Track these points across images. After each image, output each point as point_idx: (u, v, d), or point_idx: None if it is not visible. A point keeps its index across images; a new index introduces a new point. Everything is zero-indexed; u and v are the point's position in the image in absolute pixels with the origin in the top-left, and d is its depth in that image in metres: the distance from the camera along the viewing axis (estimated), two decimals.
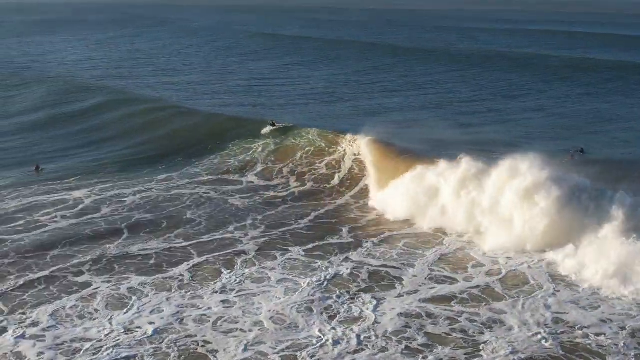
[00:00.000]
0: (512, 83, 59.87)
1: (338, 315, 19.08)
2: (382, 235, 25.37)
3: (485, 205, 25.07)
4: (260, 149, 35.44)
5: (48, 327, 17.98)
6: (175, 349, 17.15)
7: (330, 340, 17.68)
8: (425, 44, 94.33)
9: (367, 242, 24.70)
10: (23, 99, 53.45)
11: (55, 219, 26.17)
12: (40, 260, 22.41)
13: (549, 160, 25.73)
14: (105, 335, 17.62)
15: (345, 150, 33.69)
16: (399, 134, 36.56)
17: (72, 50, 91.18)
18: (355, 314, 19.24)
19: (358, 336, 17.91)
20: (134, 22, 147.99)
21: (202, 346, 17.40)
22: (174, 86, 57.51)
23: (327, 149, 34.32)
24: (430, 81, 61.83)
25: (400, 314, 19.28)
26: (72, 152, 38.28)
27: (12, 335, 17.48)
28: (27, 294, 20.05)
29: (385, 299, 20.17)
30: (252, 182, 31.74)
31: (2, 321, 18.28)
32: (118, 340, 17.44)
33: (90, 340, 17.38)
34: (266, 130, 36.75)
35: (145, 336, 17.72)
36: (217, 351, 17.12)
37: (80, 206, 27.67)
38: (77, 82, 58.26)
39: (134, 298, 19.90)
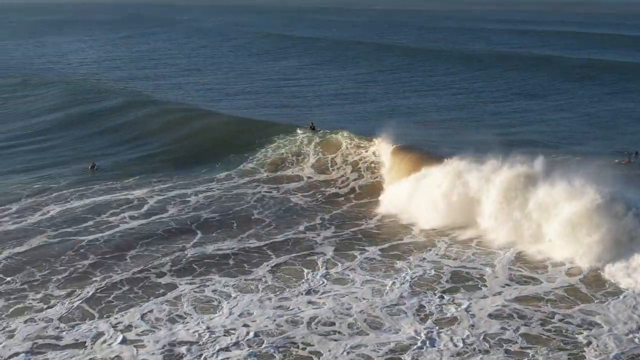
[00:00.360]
0: (536, 83, 58.77)
1: (431, 317, 18.62)
2: (453, 235, 24.84)
3: (549, 216, 23.61)
4: (305, 140, 34.91)
5: (144, 332, 17.53)
6: (277, 351, 16.72)
7: (429, 342, 17.24)
8: (440, 44, 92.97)
9: (439, 241, 24.20)
10: (51, 98, 52.35)
11: (125, 220, 25.73)
12: (119, 261, 22.00)
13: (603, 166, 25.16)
14: (205, 339, 17.18)
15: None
16: (440, 135, 36.53)
17: (89, 51, 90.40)
18: (447, 314, 18.78)
19: (456, 338, 17.45)
20: (142, 22, 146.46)
21: (303, 348, 16.97)
22: (203, 86, 57.19)
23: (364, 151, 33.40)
24: (453, 81, 61.03)
25: (490, 315, 18.81)
26: (115, 150, 37.69)
27: (111, 341, 17.04)
28: (112, 296, 19.63)
29: (472, 299, 19.69)
30: (311, 178, 31.21)
31: (95, 325, 17.86)
32: (218, 343, 17.01)
33: (191, 344, 16.95)
34: (305, 132, 35.80)
35: (243, 339, 17.28)
36: (320, 353, 16.69)
37: (146, 206, 27.22)
38: (104, 83, 57.88)
39: (221, 300, 19.47)
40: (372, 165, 31.81)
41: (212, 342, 17.05)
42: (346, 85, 58.46)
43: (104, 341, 16.96)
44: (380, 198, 28.53)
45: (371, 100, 51.15)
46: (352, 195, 29.42)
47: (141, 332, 17.51)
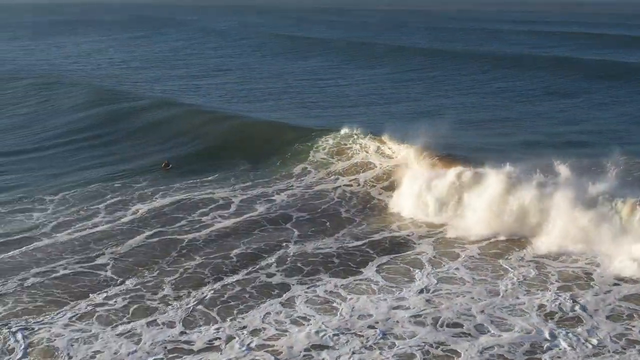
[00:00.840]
0: (565, 83, 57.38)
1: (554, 316, 18.05)
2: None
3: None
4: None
5: (273, 335, 16.97)
6: (416, 351, 16.21)
7: (561, 342, 16.69)
8: (457, 45, 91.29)
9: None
10: (86, 97, 50.42)
11: (217, 219, 25.24)
12: (225, 260, 21.52)
13: None
14: (335, 342, 16.66)
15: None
16: (497, 135, 35.96)
17: (112, 50, 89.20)
18: (568, 313, 18.21)
19: (585, 337, 16.88)
20: (152, 23, 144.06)
21: (436, 347, 16.47)
22: (233, 87, 56.51)
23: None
24: (480, 81, 59.66)
25: (610, 314, 18.26)
26: (171, 148, 36.80)
27: (244, 345, 16.51)
28: (227, 297, 19.14)
29: (583, 297, 19.12)
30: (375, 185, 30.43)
31: (221, 328, 17.35)
32: (350, 345, 16.50)
33: (322, 347, 16.41)
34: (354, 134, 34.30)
35: (374, 341, 16.74)
36: (457, 352, 16.18)
37: (233, 206, 26.71)
38: (136, 83, 57.20)
39: (337, 301, 18.95)
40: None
41: (344, 344, 16.53)
42: (377, 85, 57.49)
43: (237, 345, 16.45)
44: None
45: (406, 100, 50.21)
46: None
47: (271, 335, 16.95)
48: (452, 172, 26.12)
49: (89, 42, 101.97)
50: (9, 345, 16.44)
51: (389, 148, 31.74)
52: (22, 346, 16.36)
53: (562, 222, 22.77)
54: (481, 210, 24.04)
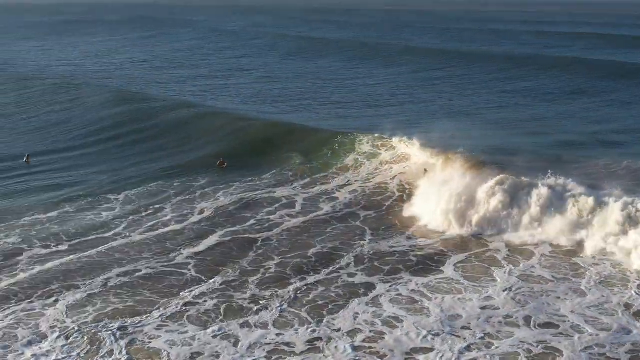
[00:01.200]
0: (582, 83, 56.36)
1: None
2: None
3: None
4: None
5: (370, 337, 16.62)
6: (517, 349, 15.90)
7: None
8: (466, 45, 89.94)
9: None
10: (113, 97, 49.62)
11: (285, 218, 24.96)
12: (304, 259, 21.22)
13: None
14: (435, 344, 16.35)
15: None
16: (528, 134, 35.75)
17: (129, 51, 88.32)
18: None
19: None
20: (160, 23, 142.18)
21: (537, 346, 16.16)
22: (261, 87, 55.98)
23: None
24: (497, 80, 59.22)
25: None
26: (215, 145, 36.46)
27: (344, 348, 16.16)
28: (314, 297, 18.85)
29: None
30: None
31: (315, 329, 17.05)
32: (451, 347, 16.20)
33: (431, 350, 16.04)
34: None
35: (473, 341, 16.45)
36: (559, 350, 15.88)
37: (297, 205, 26.43)
38: (159, 84, 56.83)
39: (424, 301, 18.65)
40: None
41: (448, 346, 16.20)
42: (402, 85, 56.98)
43: (338, 347, 16.16)
44: None
45: (436, 100, 49.70)
46: None
47: (367, 337, 16.63)
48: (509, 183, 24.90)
49: (104, 42, 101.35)
50: (107, 346, 16.16)
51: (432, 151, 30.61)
52: (121, 348, 16.08)
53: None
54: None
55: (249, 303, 18.26)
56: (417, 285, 19.58)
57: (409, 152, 31.10)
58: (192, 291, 18.97)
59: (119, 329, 16.94)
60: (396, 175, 29.48)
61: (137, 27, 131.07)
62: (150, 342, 16.35)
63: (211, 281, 19.63)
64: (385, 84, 57.97)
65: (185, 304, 18.18)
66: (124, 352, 15.90)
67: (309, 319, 17.53)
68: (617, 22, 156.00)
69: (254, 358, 15.75)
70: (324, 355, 15.71)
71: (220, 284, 19.39)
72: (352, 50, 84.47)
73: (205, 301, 18.34)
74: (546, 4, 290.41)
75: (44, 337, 16.54)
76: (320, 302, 18.48)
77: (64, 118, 45.72)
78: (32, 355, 15.68)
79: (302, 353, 15.86)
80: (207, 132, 38.74)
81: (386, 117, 40.10)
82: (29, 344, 16.16)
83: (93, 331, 16.66)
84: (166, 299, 18.48)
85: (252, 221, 24.50)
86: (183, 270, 20.30)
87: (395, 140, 32.16)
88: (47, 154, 36.33)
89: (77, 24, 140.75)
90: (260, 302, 18.38)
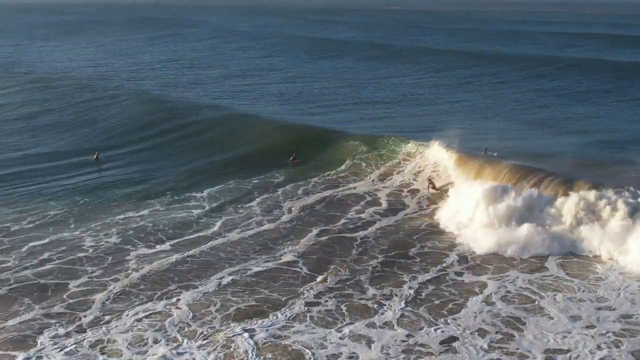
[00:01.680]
0: (602, 83, 55.38)
1: None
2: None
3: None
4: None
5: (500, 338, 16.61)
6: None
7: None
8: (476, 46, 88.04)
9: None
10: (152, 97, 49.42)
11: (375, 216, 24.89)
12: (408, 260, 21.12)
13: None
14: (568, 345, 16.28)
15: None
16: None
17: (150, 51, 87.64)
18: None
19: None
20: (172, 23, 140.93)
21: None
22: (288, 87, 55.46)
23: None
24: (522, 80, 58.28)
25: None
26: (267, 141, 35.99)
27: (479, 350, 16.14)
28: (426, 295, 18.80)
29: None
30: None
31: (443, 329, 16.96)
32: (586, 346, 16.14)
33: (564, 351, 16.03)
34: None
35: (608, 345, 16.34)
36: None
37: (384, 202, 26.34)
38: (196, 85, 56.34)
39: (539, 300, 18.54)
40: None
41: (581, 345, 16.14)
42: (415, 88, 55.92)
43: (471, 348, 16.07)
44: None
45: (466, 101, 48.96)
46: None
47: (497, 337, 16.59)
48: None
49: (123, 42, 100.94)
50: (241, 348, 16.07)
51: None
52: (253, 349, 16.00)
53: None
54: None
55: (372, 303, 18.15)
56: (524, 281, 19.55)
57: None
58: (310, 290, 18.88)
59: (246, 330, 16.84)
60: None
61: (150, 27, 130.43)
62: (282, 344, 16.23)
63: (325, 280, 19.54)
64: (418, 85, 57.41)
65: (307, 304, 18.09)
66: (259, 353, 15.77)
67: (432, 318, 17.42)
68: (620, 22, 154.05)
69: (387, 357, 15.62)
70: (460, 356, 15.61)
71: (336, 283, 19.30)
72: (372, 50, 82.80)
73: (326, 301, 18.25)
74: (546, 4, 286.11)
75: (175, 339, 16.36)
76: (436, 302, 18.38)
77: (107, 117, 45.11)
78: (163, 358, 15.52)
79: (440, 354, 15.76)
80: (255, 131, 38.25)
81: (430, 117, 40.09)
82: (163, 346, 15.99)
83: (223, 333, 16.50)
84: (286, 298, 18.39)
85: (343, 220, 24.41)
86: (295, 269, 20.24)
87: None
88: (107, 150, 36.22)
89: (88, 24, 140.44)
90: (381, 301, 18.27)
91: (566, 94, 51.82)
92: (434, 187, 26.58)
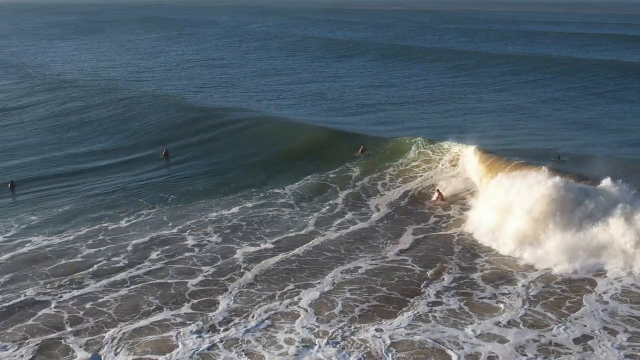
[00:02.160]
0: (616, 85, 54.27)
1: None
2: None
3: None
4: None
5: (630, 337, 16.77)
6: None
7: None
8: (487, 47, 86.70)
9: None
10: (191, 104, 47.32)
11: (462, 213, 25.12)
12: (510, 257, 21.36)
13: None
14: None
15: None
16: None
17: (170, 52, 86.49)
18: None
19: None
20: (176, 24, 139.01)
21: None
22: (311, 89, 55.39)
23: None
24: (552, 80, 57.66)
25: None
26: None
27: (614, 347, 16.29)
28: (538, 292, 18.93)
29: None
30: None
31: (574, 330, 17.05)
32: None
33: None
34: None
35: None
36: None
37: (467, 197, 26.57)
38: (221, 87, 55.86)
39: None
40: None
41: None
42: (446, 87, 55.35)
43: (604, 348, 16.24)
44: None
45: (495, 101, 48.22)
46: None
47: (628, 337, 16.75)
48: None
49: (144, 41, 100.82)
50: (377, 349, 16.18)
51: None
52: (387, 348, 16.11)
53: None
54: None
55: (495, 303, 18.22)
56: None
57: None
58: (428, 288, 19.03)
59: (376, 330, 16.96)
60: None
61: (164, 27, 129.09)
62: (416, 341, 16.32)
63: (441, 278, 19.68)
64: (449, 85, 56.70)
65: (429, 303, 18.20)
66: (396, 354, 15.87)
67: (554, 317, 17.57)
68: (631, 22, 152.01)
69: (525, 357, 15.78)
70: (594, 352, 15.76)
71: (451, 282, 19.38)
72: (391, 51, 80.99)
73: (449, 300, 18.38)
74: (546, 4, 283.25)
75: (309, 341, 16.31)
76: (551, 299, 18.51)
77: (155, 114, 44.57)
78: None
79: (576, 353, 15.91)
80: (304, 129, 37.84)
81: (455, 117, 39.98)
82: (299, 348, 16.02)
83: (355, 334, 16.53)
84: (408, 297, 18.52)
85: (434, 218, 24.54)
86: (406, 266, 20.38)
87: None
88: (165, 144, 36.27)
89: (100, 24, 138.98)
90: (500, 299, 18.41)
91: (599, 93, 50.97)
92: (442, 199, 26.18)
